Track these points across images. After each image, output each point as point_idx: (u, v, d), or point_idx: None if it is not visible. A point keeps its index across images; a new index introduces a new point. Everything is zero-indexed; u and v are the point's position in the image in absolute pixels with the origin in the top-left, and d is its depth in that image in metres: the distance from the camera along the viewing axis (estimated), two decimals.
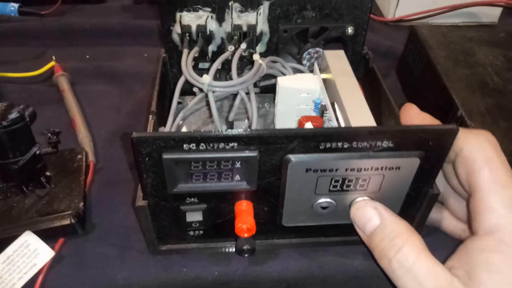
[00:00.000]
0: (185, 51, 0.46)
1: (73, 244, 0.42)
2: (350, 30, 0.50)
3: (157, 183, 0.35)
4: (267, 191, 0.36)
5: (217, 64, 0.44)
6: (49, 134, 0.45)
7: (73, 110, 0.57)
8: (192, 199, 0.36)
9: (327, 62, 0.47)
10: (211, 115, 0.52)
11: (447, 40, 0.56)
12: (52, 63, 0.64)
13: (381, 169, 0.35)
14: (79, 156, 0.49)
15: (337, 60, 0.47)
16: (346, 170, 0.34)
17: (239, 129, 0.32)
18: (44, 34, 0.74)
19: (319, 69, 0.48)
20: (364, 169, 0.35)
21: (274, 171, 0.35)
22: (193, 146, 0.32)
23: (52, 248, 0.40)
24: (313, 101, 0.46)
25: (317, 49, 0.51)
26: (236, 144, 0.32)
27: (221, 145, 0.32)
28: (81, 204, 0.43)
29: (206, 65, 0.52)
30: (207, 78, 0.41)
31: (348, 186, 0.36)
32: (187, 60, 0.45)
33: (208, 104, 0.51)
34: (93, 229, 0.44)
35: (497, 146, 0.34)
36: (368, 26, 0.51)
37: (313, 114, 0.47)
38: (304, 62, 0.52)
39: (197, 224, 0.38)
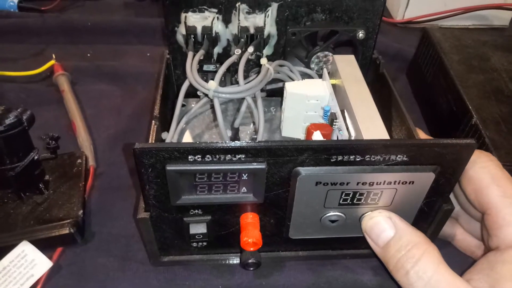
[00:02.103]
0: (190, 54, 0.45)
1: (72, 254, 0.40)
2: (361, 34, 0.48)
3: (160, 194, 0.33)
4: (274, 204, 0.35)
5: (223, 69, 0.43)
6: (48, 139, 0.43)
7: (73, 112, 0.55)
8: (196, 211, 0.35)
9: (337, 67, 0.45)
10: (215, 119, 0.50)
11: (460, 44, 0.55)
12: (52, 62, 0.62)
13: (394, 183, 0.33)
14: (79, 161, 0.48)
15: (347, 65, 0.46)
16: (357, 183, 0.33)
17: (246, 141, 0.30)
18: (44, 31, 0.72)
19: (328, 74, 0.46)
20: (377, 183, 0.33)
21: (282, 183, 0.33)
22: (198, 157, 0.31)
23: (50, 258, 0.39)
24: (322, 108, 0.44)
25: (326, 53, 0.50)
26: (243, 156, 0.31)
27: (228, 157, 0.31)
28: (81, 211, 0.42)
29: (211, 67, 0.50)
30: (213, 84, 0.39)
31: (359, 199, 0.34)
32: (192, 63, 0.43)
33: (212, 107, 0.50)
34: (93, 238, 0.42)
35: (499, 164, 0.35)
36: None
37: (322, 121, 0.46)
38: (312, 66, 0.51)
39: (201, 236, 0.36)
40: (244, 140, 0.45)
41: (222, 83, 0.52)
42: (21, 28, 0.72)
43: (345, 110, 0.42)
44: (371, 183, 0.33)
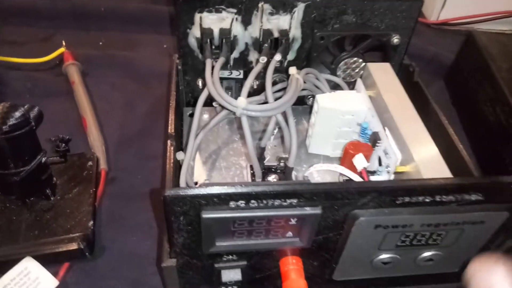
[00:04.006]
0: (208, 62, 0.39)
1: (80, 271, 0.36)
2: (396, 39, 0.43)
3: (191, 242, 0.28)
4: (321, 247, 0.30)
5: (250, 82, 0.37)
6: (58, 142, 0.37)
7: (84, 108, 0.49)
8: (230, 257, 0.30)
9: (373, 77, 0.40)
10: (232, 133, 0.45)
11: (509, 51, 0.50)
12: (62, 50, 0.55)
13: (462, 223, 0.29)
14: (90, 163, 0.42)
15: (384, 75, 0.41)
16: (421, 225, 0.28)
17: (300, 184, 0.25)
18: (54, 15, 0.64)
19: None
20: (443, 224, 0.29)
21: (335, 227, 0.28)
22: (241, 203, 0.25)
23: (56, 274, 0.34)
24: (358, 124, 0.40)
25: (355, 59, 0.44)
26: (296, 201, 0.26)
27: (277, 202, 0.25)
28: (91, 222, 0.37)
29: (226, 73, 0.45)
30: (243, 102, 0.34)
31: (419, 241, 0.30)
32: (212, 74, 0.37)
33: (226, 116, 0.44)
34: (103, 254, 0.38)
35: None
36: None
37: (356, 137, 0.41)
38: (339, 72, 0.45)
39: (233, 283, 0.31)
40: (274, 165, 0.39)
41: (228, 90, 0.46)
42: (29, 10, 0.64)
43: (386, 128, 0.37)
44: (437, 225, 0.28)
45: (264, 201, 0.25)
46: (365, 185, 0.26)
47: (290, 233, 0.28)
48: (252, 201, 0.25)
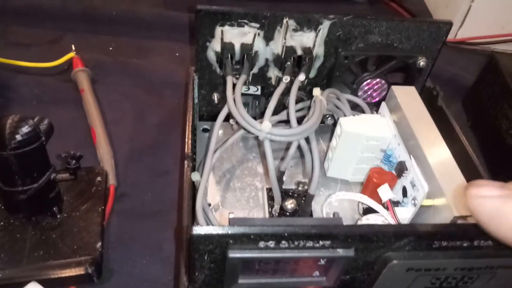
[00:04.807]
0: (229, 79, 0.37)
1: None
2: (422, 62, 0.41)
3: (212, 279, 0.26)
4: (347, 286, 0.28)
5: (274, 103, 0.35)
6: (69, 158, 0.36)
7: (93, 118, 0.46)
8: None
9: (398, 102, 0.39)
10: (247, 151, 0.43)
11: None
12: (71, 54, 0.53)
13: (497, 267, 0.27)
14: (99, 179, 0.40)
15: (410, 99, 0.39)
16: (455, 269, 0.27)
17: (335, 226, 0.23)
18: (63, 16, 0.61)
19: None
20: (477, 268, 0.27)
21: (364, 268, 0.27)
22: (272, 243, 0.24)
23: None
24: (382, 151, 0.38)
25: (378, 79, 0.43)
26: (329, 242, 0.24)
27: (309, 243, 0.24)
28: (99, 244, 0.35)
29: (243, 89, 0.43)
30: (268, 126, 0.32)
31: (449, 283, 0.28)
32: (235, 93, 0.35)
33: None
34: (111, 278, 0.36)
35: None
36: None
37: (378, 163, 0.39)
38: (360, 93, 0.44)
39: None
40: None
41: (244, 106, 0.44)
42: (36, 10, 0.61)
43: (411, 157, 0.35)
44: (471, 268, 0.27)
45: (296, 242, 0.24)
46: (403, 229, 0.24)
47: (316, 273, 0.27)
48: (283, 241, 0.23)
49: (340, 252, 0.24)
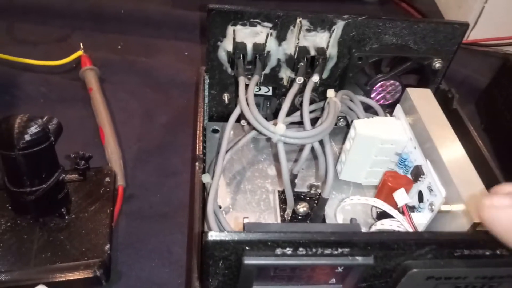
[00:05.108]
0: (242, 80, 0.36)
1: None
2: (438, 64, 0.40)
3: (225, 285, 0.25)
4: None
5: (287, 105, 0.34)
6: (78, 159, 0.35)
7: (102, 117, 0.46)
8: None
9: (413, 104, 0.38)
10: (258, 152, 0.42)
11: None
12: (79, 53, 0.52)
13: None
14: (107, 179, 0.40)
15: (426, 103, 0.38)
16: (476, 277, 0.26)
17: (355, 233, 0.23)
18: (70, 14, 0.61)
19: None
20: (498, 277, 0.26)
21: (383, 275, 0.26)
22: (289, 250, 0.23)
23: None
24: (397, 154, 0.37)
25: (392, 81, 0.42)
26: (348, 250, 0.23)
27: (327, 250, 0.23)
28: (107, 246, 0.35)
29: (254, 89, 0.42)
30: (282, 129, 0.31)
31: None
32: (247, 94, 0.35)
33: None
34: (119, 281, 0.35)
35: None
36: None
37: (392, 165, 0.38)
38: (373, 94, 0.43)
39: None
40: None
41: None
42: (44, 8, 0.61)
43: (427, 161, 0.35)
44: (492, 277, 0.26)
45: (314, 249, 0.23)
46: (425, 237, 0.23)
47: (333, 280, 0.26)
48: (301, 248, 0.23)
49: (359, 260, 0.24)
